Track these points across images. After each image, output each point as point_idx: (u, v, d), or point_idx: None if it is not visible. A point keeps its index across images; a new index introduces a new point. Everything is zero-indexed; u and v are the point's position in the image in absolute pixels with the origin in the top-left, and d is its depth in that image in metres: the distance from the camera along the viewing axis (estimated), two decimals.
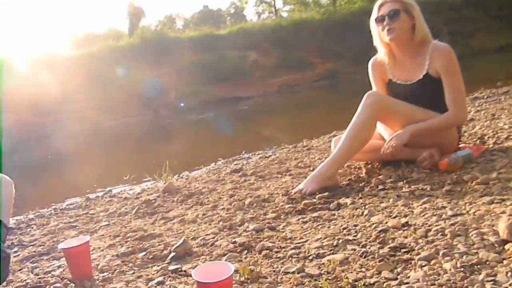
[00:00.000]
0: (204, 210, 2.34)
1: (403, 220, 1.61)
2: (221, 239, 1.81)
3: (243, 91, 17.40)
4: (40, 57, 16.93)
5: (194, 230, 2.01)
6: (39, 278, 1.69)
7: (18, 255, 2.13)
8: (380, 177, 2.23)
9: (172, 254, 1.69)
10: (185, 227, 2.12)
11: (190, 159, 5.47)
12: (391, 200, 1.88)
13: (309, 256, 1.46)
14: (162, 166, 3.80)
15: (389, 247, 1.40)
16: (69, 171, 6.65)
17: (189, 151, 7.00)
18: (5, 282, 1.65)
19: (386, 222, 1.62)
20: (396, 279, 1.20)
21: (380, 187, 2.09)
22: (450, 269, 1.18)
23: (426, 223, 1.54)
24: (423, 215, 1.63)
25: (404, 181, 2.09)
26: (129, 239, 2.03)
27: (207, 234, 1.90)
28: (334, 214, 1.86)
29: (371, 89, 2.46)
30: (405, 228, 1.55)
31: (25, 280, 1.69)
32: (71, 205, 3.45)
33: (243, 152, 4.73)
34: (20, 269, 1.88)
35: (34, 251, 2.15)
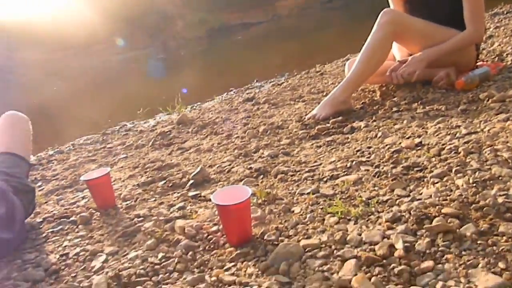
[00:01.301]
0: (219, 139, 2.37)
1: (417, 140, 1.61)
2: (237, 165, 1.85)
3: (252, 16, 16.84)
4: None
5: (210, 159, 2.06)
6: (65, 209, 1.77)
7: (43, 189, 2.22)
8: (394, 99, 2.20)
9: (191, 181, 1.74)
10: (201, 156, 2.16)
11: (202, 90, 5.46)
12: (405, 121, 1.88)
13: (323, 178, 1.49)
14: (174, 98, 3.80)
15: (402, 167, 1.42)
16: (82, 108, 6.71)
17: (200, 82, 6.96)
18: (32, 214, 1.74)
19: (400, 143, 1.63)
20: (409, 196, 1.23)
21: (395, 109, 2.08)
22: (462, 185, 1.20)
23: (440, 142, 1.55)
24: (437, 135, 1.63)
25: (419, 102, 2.06)
26: (148, 169, 2.09)
27: (223, 162, 1.94)
28: (348, 138, 1.87)
29: (387, 6, 2.35)
30: (419, 148, 1.56)
31: (52, 211, 1.77)
32: (88, 140, 3.52)
33: (255, 81, 4.68)
34: (45, 202, 1.97)
35: (58, 185, 2.23)
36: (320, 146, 1.85)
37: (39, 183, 2.35)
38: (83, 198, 1.89)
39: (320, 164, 1.64)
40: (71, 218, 1.63)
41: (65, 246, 1.41)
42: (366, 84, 2.54)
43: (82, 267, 1.24)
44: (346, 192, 1.34)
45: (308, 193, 1.38)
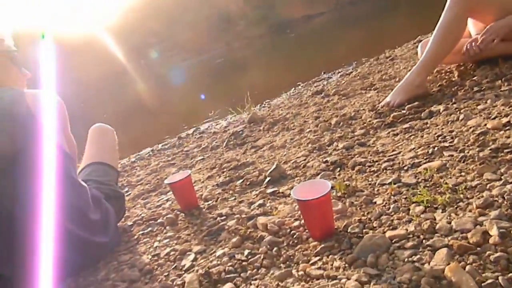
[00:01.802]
0: (291, 135, 2.38)
1: (504, 120, 1.50)
2: (312, 160, 1.84)
3: (313, 8, 16.62)
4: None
5: (285, 155, 2.07)
6: (152, 211, 1.87)
7: (129, 194, 2.37)
8: (475, 78, 2.07)
9: (268, 178, 1.77)
10: (275, 153, 2.18)
11: (269, 88, 5.49)
12: (489, 101, 1.76)
13: (404, 166, 1.44)
14: (243, 98, 3.87)
15: (490, 149, 1.33)
16: (157, 115, 7.03)
17: (267, 80, 7.01)
18: (123, 218, 1.86)
19: (485, 124, 1.53)
20: (500, 179, 1.15)
21: (476, 88, 1.95)
22: None
23: None
24: None
25: (503, 79, 1.92)
26: (225, 169, 2.15)
27: (298, 157, 1.94)
28: (427, 123, 1.79)
29: None
30: (507, 128, 1.45)
31: (140, 214, 1.88)
32: (166, 145, 3.70)
33: (322, 73, 4.63)
34: (133, 206, 2.10)
35: (143, 189, 2.37)
36: (397, 134, 1.79)
37: (126, 189, 2.51)
38: (167, 200, 1.99)
39: (399, 152, 1.58)
40: (159, 220, 1.72)
41: (156, 246, 1.49)
42: (442, 65, 2.41)
43: (174, 266, 1.31)
44: (430, 179, 1.29)
45: (390, 183, 1.35)
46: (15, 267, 1.33)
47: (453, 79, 2.24)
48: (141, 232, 1.66)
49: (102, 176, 1.78)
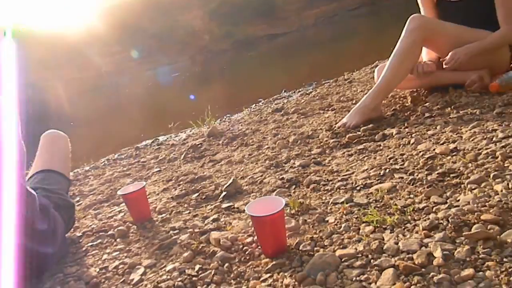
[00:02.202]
0: (249, 151, 2.39)
1: (452, 145, 1.58)
2: (268, 176, 1.86)
3: (278, 27, 16.94)
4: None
5: (242, 170, 2.07)
6: (103, 223, 1.82)
7: (81, 204, 2.29)
8: (426, 104, 2.17)
9: (224, 193, 1.76)
10: (233, 167, 2.18)
11: (230, 102, 5.51)
12: (438, 127, 1.85)
13: (357, 186, 1.48)
14: (204, 111, 3.86)
15: (438, 173, 1.39)
16: (114, 124, 6.88)
17: (228, 95, 7.04)
18: (72, 229, 1.80)
19: (434, 149, 1.60)
20: (446, 203, 1.21)
21: (427, 114, 2.04)
22: (501, 191, 1.17)
23: (476, 147, 1.51)
24: (472, 140, 1.59)
25: (452, 106, 2.03)
26: (181, 182, 2.12)
27: (254, 173, 1.95)
28: (380, 145, 1.85)
29: (417, 12, 2.33)
30: (454, 153, 1.53)
31: (90, 225, 1.82)
32: (122, 155, 3.61)
33: (283, 91, 4.71)
34: (84, 216, 2.03)
35: (95, 199, 2.30)
36: (351, 155, 1.84)
37: (77, 198, 2.43)
38: (119, 212, 1.94)
39: (353, 172, 1.62)
40: (109, 232, 1.67)
41: (105, 259, 1.44)
42: (397, 90, 2.51)
43: (122, 280, 1.27)
44: (380, 200, 1.33)
45: (342, 203, 1.38)
46: None
47: (407, 104, 2.33)
48: (90, 244, 1.61)
49: (52, 184, 1.71)
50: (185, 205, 1.78)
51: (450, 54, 2.13)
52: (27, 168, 1.68)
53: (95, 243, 1.60)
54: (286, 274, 1.06)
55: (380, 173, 1.53)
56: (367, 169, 1.61)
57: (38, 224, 1.41)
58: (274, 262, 1.12)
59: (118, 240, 1.58)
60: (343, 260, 1.05)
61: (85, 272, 1.37)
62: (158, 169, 2.61)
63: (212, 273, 1.15)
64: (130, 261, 1.35)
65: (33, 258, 1.39)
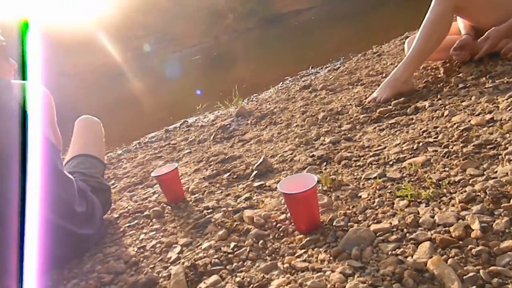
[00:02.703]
0: (278, 129, 2.39)
1: (488, 116, 1.53)
2: (299, 154, 1.85)
3: (302, 2, 16.60)
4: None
5: (272, 149, 2.08)
6: (139, 204, 1.87)
7: (116, 186, 2.35)
8: (460, 75, 2.10)
9: (255, 172, 1.77)
10: (262, 146, 2.19)
11: (257, 82, 5.49)
12: (473, 97, 1.79)
13: (389, 161, 1.46)
14: (231, 91, 3.86)
15: (474, 145, 1.36)
16: (143, 108, 6.97)
17: (255, 74, 7.00)
18: (109, 211, 1.85)
19: (469, 121, 1.56)
20: (483, 175, 1.18)
21: (461, 85, 1.98)
22: None
23: None
24: (509, 109, 1.54)
25: (487, 76, 1.95)
26: (212, 163, 2.15)
27: (284, 151, 1.95)
28: (412, 119, 1.81)
29: None
30: (490, 124, 1.48)
31: (126, 207, 1.88)
32: (153, 138, 3.68)
33: (310, 67, 4.64)
34: (120, 199, 2.09)
35: (129, 182, 2.36)
36: (383, 129, 1.81)
37: (112, 181, 2.50)
38: (154, 193, 1.99)
39: (385, 147, 1.60)
40: (145, 213, 1.71)
41: (142, 239, 1.49)
42: (428, 61, 2.44)
43: (159, 259, 1.30)
44: (414, 174, 1.31)
45: (375, 178, 1.36)
46: None
47: (439, 75, 2.26)
48: (127, 225, 1.66)
49: (89, 168, 1.76)
50: (217, 185, 1.80)
51: (481, 39, 2.05)
52: (63, 154, 1.73)
53: (132, 224, 1.65)
54: (320, 249, 1.07)
55: (413, 147, 1.50)
56: (399, 143, 1.58)
57: (76, 207, 1.46)
58: (308, 238, 1.12)
59: (154, 220, 1.62)
60: (377, 234, 1.05)
61: (124, 252, 1.42)
62: (189, 150, 2.64)
63: (247, 250, 1.17)
64: (167, 240, 1.39)
65: (74, 240, 1.45)
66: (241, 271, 1.08)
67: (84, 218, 1.51)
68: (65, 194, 1.44)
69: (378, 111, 2.01)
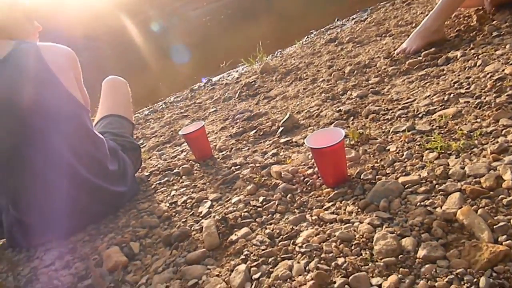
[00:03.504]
0: (304, 85, 2.36)
1: None
2: (325, 109, 1.84)
3: None
4: None
5: (298, 105, 2.06)
6: (168, 162, 1.91)
7: (145, 146, 2.40)
8: (494, 22, 2.00)
9: (281, 128, 1.78)
10: (288, 103, 2.17)
11: (281, 37, 5.37)
12: (507, 46, 1.71)
13: (419, 114, 1.43)
14: (255, 47, 3.80)
15: (507, 95, 1.31)
16: (166, 67, 6.96)
17: (279, 29, 6.84)
18: (140, 169, 1.90)
19: (503, 70, 1.50)
20: None
21: (495, 33, 1.89)
22: None
23: None
24: None
25: None
26: (238, 120, 2.16)
27: (311, 107, 1.94)
28: (443, 70, 1.75)
29: None
30: None
31: (156, 165, 1.92)
32: (178, 97, 3.70)
33: (336, 20, 4.50)
34: (149, 157, 2.14)
35: (157, 141, 2.40)
36: (412, 82, 1.77)
37: (141, 141, 2.55)
38: (182, 151, 2.03)
39: (414, 100, 1.57)
40: (175, 170, 1.76)
41: (173, 195, 1.53)
42: (460, 9, 2.32)
43: (191, 213, 1.35)
44: (444, 126, 1.28)
45: (403, 131, 1.35)
46: (34, 214, 1.39)
47: (472, 24, 2.16)
48: (158, 182, 1.70)
49: (118, 128, 1.80)
50: (244, 142, 1.82)
51: None
52: (92, 115, 1.77)
53: (162, 181, 1.70)
54: (348, 202, 1.08)
55: (443, 99, 1.46)
56: (429, 95, 1.54)
57: (109, 165, 1.51)
58: (336, 191, 1.13)
59: (183, 177, 1.66)
60: (406, 186, 1.05)
61: (157, 207, 1.47)
62: (214, 109, 2.65)
63: (276, 203, 1.19)
64: (197, 196, 1.43)
65: (108, 197, 1.51)
66: (271, 224, 1.11)
67: (116, 176, 1.56)
68: (98, 153, 1.48)
69: (407, 62, 1.95)
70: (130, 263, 1.18)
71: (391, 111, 1.55)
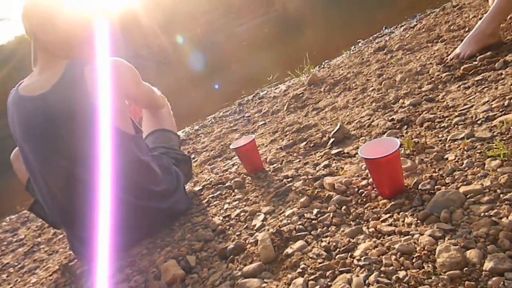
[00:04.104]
0: (353, 95, 2.33)
1: None
2: (377, 119, 1.80)
3: None
4: None
5: (348, 115, 2.04)
6: (220, 176, 1.94)
7: (196, 160, 2.46)
8: None
9: (332, 139, 1.76)
10: (338, 113, 2.15)
11: (328, 47, 5.35)
12: None
13: (477, 120, 1.38)
14: (301, 59, 3.81)
15: None
16: (215, 83, 7.10)
17: (325, 39, 6.82)
18: (192, 183, 1.93)
19: None
20: None
21: None
22: None
23: None
24: None
25: None
26: (287, 132, 2.16)
27: (361, 117, 1.91)
28: (501, 74, 1.68)
29: None
30: None
31: (208, 179, 1.96)
32: (227, 112, 3.76)
33: (384, 28, 4.43)
34: (201, 171, 2.18)
35: (208, 155, 2.45)
36: (468, 87, 1.70)
37: (192, 156, 2.61)
38: (233, 165, 2.05)
39: (471, 106, 1.51)
40: (227, 184, 1.78)
41: (226, 208, 1.55)
42: None
43: (245, 226, 1.36)
44: (506, 132, 1.22)
45: (462, 138, 1.29)
46: (88, 230, 1.44)
47: None
48: (210, 196, 1.73)
49: (167, 142, 1.84)
50: (295, 154, 1.82)
51: None
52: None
53: (215, 194, 1.73)
54: (406, 213, 1.05)
55: (503, 104, 1.39)
56: (488, 101, 1.48)
57: (155, 187, 1.53)
58: (393, 203, 1.11)
59: (236, 190, 1.68)
60: (468, 196, 1.00)
61: (211, 221, 1.49)
62: (263, 122, 2.68)
63: (331, 215, 1.18)
64: (250, 209, 1.44)
65: (163, 213, 1.55)
66: (326, 236, 1.10)
67: (170, 193, 1.58)
68: (142, 178, 1.50)
69: (462, 68, 1.88)
70: (188, 276, 1.20)
71: (447, 119, 1.49)
